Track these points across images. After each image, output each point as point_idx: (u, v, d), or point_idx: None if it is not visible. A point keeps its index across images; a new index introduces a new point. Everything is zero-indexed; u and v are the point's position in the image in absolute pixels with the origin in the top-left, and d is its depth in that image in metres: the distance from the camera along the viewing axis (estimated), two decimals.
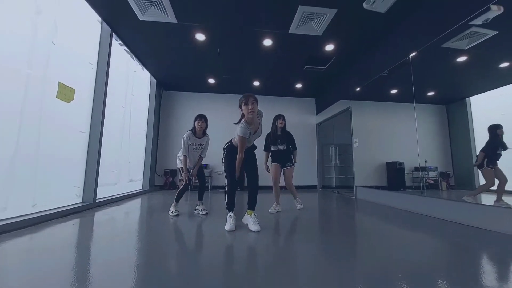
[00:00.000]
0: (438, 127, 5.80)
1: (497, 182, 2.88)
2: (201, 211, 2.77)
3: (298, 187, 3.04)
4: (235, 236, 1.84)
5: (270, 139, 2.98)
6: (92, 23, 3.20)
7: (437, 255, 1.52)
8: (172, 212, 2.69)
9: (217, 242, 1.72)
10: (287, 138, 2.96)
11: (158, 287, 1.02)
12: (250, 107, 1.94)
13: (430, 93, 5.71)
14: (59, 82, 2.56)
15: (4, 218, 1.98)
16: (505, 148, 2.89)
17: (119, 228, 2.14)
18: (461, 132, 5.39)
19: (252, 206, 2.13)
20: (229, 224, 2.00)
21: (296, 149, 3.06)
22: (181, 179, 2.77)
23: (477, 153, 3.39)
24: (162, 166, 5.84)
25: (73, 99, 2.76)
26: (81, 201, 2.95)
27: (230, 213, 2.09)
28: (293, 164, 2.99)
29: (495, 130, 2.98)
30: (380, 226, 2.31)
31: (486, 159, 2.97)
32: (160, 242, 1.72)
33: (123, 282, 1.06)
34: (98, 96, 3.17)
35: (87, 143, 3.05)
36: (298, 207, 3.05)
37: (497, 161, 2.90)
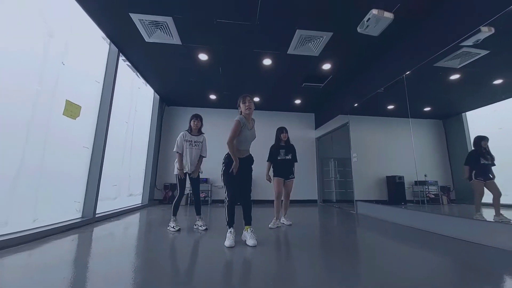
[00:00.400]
0: (436, 141, 5.86)
1: (491, 195, 2.89)
2: (200, 226, 2.74)
3: (298, 201, 3.06)
4: (234, 252, 1.85)
5: (275, 149, 3.04)
6: (100, 43, 3.37)
7: (437, 272, 1.52)
8: (173, 227, 2.65)
9: (215, 258, 1.73)
10: (292, 149, 3.07)
11: None
12: (247, 104, 2.17)
13: (427, 109, 5.84)
14: (66, 100, 2.67)
15: (5, 233, 2.00)
16: (486, 159, 2.92)
17: (117, 244, 2.14)
18: (459, 146, 5.44)
19: (248, 221, 2.18)
20: (228, 240, 2.01)
21: (296, 161, 3.12)
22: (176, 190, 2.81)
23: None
24: (162, 180, 5.85)
25: (78, 115, 2.86)
26: (80, 216, 2.96)
27: (230, 229, 2.10)
28: (294, 176, 3.04)
29: (480, 142, 3.04)
30: (381, 242, 2.30)
31: (474, 171, 3.04)
32: (158, 258, 1.73)
33: None
34: (103, 112, 3.28)
35: (90, 158, 3.11)
36: (286, 223, 3.04)
37: (488, 174, 2.90)
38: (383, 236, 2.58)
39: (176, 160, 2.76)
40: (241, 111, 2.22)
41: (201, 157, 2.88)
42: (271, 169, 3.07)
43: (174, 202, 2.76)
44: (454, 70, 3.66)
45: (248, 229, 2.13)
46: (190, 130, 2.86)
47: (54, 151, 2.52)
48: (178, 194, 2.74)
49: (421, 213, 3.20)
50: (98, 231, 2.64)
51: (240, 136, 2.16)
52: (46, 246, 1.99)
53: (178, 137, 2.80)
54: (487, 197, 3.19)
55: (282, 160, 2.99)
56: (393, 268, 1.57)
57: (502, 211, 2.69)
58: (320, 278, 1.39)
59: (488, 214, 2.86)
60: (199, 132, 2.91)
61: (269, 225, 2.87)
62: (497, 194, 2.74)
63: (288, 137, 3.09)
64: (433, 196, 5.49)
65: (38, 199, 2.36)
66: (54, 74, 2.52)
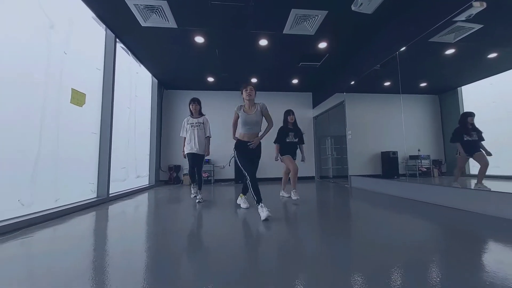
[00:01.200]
0: (431, 116, 6.02)
1: (478, 166, 3.08)
2: (196, 196, 3.20)
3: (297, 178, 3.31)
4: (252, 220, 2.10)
5: (283, 133, 3.21)
6: (97, 31, 3.39)
7: (421, 235, 1.78)
8: (192, 193, 3.35)
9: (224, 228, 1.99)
10: (300, 132, 3.30)
11: (168, 265, 1.29)
12: (248, 91, 2.42)
13: (423, 84, 5.91)
14: (72, 89, 2.79)
15: (32, 212, 2.25)
16: (470, 135, 3.06)
17: (132, 219, 2.42)
18: (453, 120, 5.62)
19: (258, 197, 2.31)
20: (263, 213, 2.14)
21: (303, 143, 3.39)
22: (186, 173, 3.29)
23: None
24: (166, 162, 6.11)
25: (84, 103, 2.99)
26: (96, 196, 3.22)
27: (261, 204, 2.25)
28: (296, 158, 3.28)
29: (466, 118, 3.16)
30: (367, 210, 2.58)
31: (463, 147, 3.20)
32: (170, 228, 1.99)
33: (138, 261, 1.33)
34: (106, 98, 3.40)
35: (99, 143, 3.30)
36: (293, 197, 3.15)
37: (473, 149, 3.07)
38: (369, 205, 2.86)
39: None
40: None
41: (207, 138, 3.17)
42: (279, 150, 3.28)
43: (188, 173, 3.37)
44: (449, 45, 3.71)
45: (243, 197, 2.65)
46: (191, 114, 3.19)
47: (66, 138, 2.70)
48: (189, 169, 3.23)
49: (403, 183, 3.47)
50: (114, 208, 2.91)
51: (240, 121, 2.48)
52: (70, 222, 2.25)
53: (183, 122, 3.23)
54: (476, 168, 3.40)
55: (290, 142, 3.20)
56: (374, 231, 1.83)
57: (492, 182, 2.90)
58: (313, 242, 1.65)
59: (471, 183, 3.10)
60: (200, 114, 3.20)
61: (283, 194, 3.40)
62: (484, 164, 2.92)
63: (295, 119, 3.28)
64: (425, 169, 5.78)
65: (58, 182, 2.59)
66: (58, 64, 2.62)
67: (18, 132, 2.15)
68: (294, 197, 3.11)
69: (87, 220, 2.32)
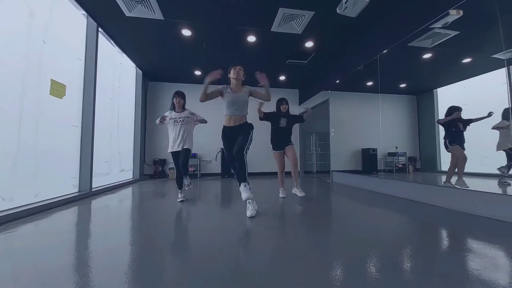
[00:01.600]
0: (409, 116, 6.40)
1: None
2: (183, 200, 2.88)
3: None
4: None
5: (275, 117, 3.01)
6: (78, 19, 3.24)
7: (394, 228, 1.96)
8: (178, 198, 2.91)
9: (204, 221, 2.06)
10: (293, 120, 3.07)
11: (153, 258, 1.35)
12: (237, 69, 2.28)
13: (402, 85, 6.23)
14: (51, 79, 2.68)
15: (13, 207, 2.19)
16: (458, 127, 3.12)
17: (115, 213, 2.42)
18: (428, 120, 6.02)
19: (242, 178, 2.15)
20: (244, 193, 2.11)
21: (303, 121, 3.23)
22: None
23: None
24: (151, 155, 6.02)
25: (64, 94, 2.89)
26: (77, 190, 3.16)
27: (244, 184, 2.13)
28: (292, 143, 3.03)
29: (453, 112, 3.18)
30: (345, 204, 2.76)
31: (447, 139, 3.24)
32: (153, 223, 2.04)
33: (122, 256, 1.39)
34: (88, 90, 3.29)
35: (80, 136, 3.21)
36: (298, 194, 2.94)
37: (462, 140, 3.11)
38: (346, 199, 3.05)
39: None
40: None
41: (190, 133, 2.88)
42: (270, 143, 3.09)
43: (175, 179, 2.97)
44: (427, 50, 3.94)
45: (242, 184, 2.15)
46: (174, 108, 2.87)
47: (46, 130, 2.61)
48: (176, 171, 2.94)
49: (378, 179, 3.71)
50: (96, 203, 2.88)
51: (224, 101, 2.24)
52: (52, 216, 2.22)
53: (164, 114, 2.86)
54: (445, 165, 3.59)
55: (282, 128, 2.97)
56: (348, 221, 1.99)
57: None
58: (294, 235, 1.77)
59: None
60: (183, 109, 2.91)
61: (280, 195, 3.03)
62: (462, 159, 3.04)
63: (288, 109, 3.07)
64: (401, 165, 6.17)
65: (38, 177, 2.52)
66: (37, 54, 2.50)
67: None
68: (299, 193, 2.93)
69: (69, 215, 2.30)
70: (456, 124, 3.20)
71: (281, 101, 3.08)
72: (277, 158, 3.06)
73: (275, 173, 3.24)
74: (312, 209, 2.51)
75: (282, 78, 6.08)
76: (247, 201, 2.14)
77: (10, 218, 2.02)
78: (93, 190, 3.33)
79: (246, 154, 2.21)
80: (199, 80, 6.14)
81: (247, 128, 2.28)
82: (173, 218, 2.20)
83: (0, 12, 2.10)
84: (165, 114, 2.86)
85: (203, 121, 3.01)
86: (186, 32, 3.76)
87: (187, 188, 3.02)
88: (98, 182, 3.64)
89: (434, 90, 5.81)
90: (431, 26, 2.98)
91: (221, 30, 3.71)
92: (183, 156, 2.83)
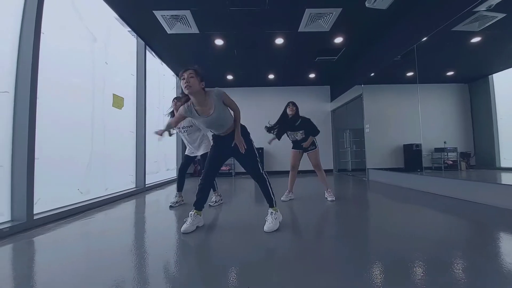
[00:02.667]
0: (459, 106, 5.76)
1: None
2: (175, 203, 2.62)
3: (315, 172, 2.83)
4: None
5: (281, 128, 2.74)
6: (128, 38, 3.81)
7: (435, 228, 1.92)
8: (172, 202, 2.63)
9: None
10: (303, 126, 2.69)
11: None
12: (185, 79, 1.62)
13: (450, 73, 5.64)
14: (113, 94, 3.23)
15: (90, 198, 2.74)
16: None
17: (165, 204, 2.82)
18: (483, 110, 5.35)
19: (268, 201, 1.80)
20: (185, 224, 1.70)
21: (315, 134, 2.71)
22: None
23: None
24: None
25: (123, 106, 3.44)
26: (135, 186, 3.72)
27: (192, 212, 1.76)
28: (316, 147, 2.77)
29: None
30: (384, 202, 2.71)
31: None
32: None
33: (172, 233, 1.67)
34: (140, 100, 3.84)
35: (135, 140, 3.77)
36: (328, 198, 2.75)
37: None
38: (385, 197, 2.97)
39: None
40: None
41: (202, 138, 2.61)
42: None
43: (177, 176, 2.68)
44: (474, 34, 3.58)
45: (270, 210, 1.77)
46: (173, 115, 2.54)
47: (111, 137, 3.17)
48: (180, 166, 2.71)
49: (421, 176, 3.48)
50: (150, 197, 3.36)
51: (198, 124, 1.84)
52: (119, 207, 2.71)
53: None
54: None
55: (294, 141, 2.79)
56: (390, 223, 2.01)
57: None
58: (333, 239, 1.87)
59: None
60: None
61: (281, 198, 2.78)
62: None
63: (296, 111, 2.69)
64: (451, 162, 5.59)
65: (106, 174, 3.08)
66: (101, 73, 3.05)
67: (75, 133, 2.62)
68: (329, 198, 2.75)
69: (130, 206, 2.76)
70: None
71: (287, 104, 2.73)
72: (291, 156, 2.83)
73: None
74: (351, 209, 2.54)
75: (312, 75, 6.06)
76: (270, 212, 1.77)
77: (88, 208, 2.55)
78: (146, 186, 3.87)
79: (263, 170, 1.83)
80: (231, 84, 6.51)
81: (245, 138, 1.79)
82: (207, 212, 2.48)
83: (71, 39, 2.64)
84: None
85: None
86: (219, 42, 4.08)
87: (213, 205, 2.63)
88: (150, 179, 4.20)
89: (489, 76, 5.14)
90: (474, 10, 2.72)
91: (250, 36, 3.93)
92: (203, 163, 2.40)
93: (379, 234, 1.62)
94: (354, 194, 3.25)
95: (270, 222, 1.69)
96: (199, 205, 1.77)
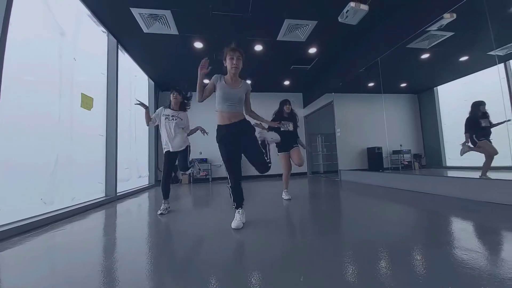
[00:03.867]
0: (411, 114, 6.60)
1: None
2: (163, 213, 2.44)
3: (291, 174, 3.00)
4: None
5: (278, 119, 2.83)
6: (100, 37, 3.54)
7: (403, 216, 2.14)
8: (160, 210, 2.47)
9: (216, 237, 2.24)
10: (294, 119, 3.02)
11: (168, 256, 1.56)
12: (234, 62, 1.76)
13: (403, 84, 6.45)
14: (81, 93, 2.94)
15: (54, 209, 2.42)
16: (486, 122, 3.01)
17: (137, 215, 2.64)
18: (430, 117, 6.20)
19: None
20: (235, 222, 1.80)
21: (295, 131, 3.02)
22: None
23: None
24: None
25: (92, 106, 3.15)
26: (104, 195, 3.39)
27: (239, 210, 1.87)
28: (297, 145, 3.00)
29: (478, 107, 3.13)
30: (354, 198, 2.94)
31: (474, 135, 3.11)
32: (172, 224, 2.24)
33: (142, 250, 1.60)
34: (111, 101, 3.56)
35: (105, 144, 3.46)
36: (285, 197, 2.96)
37: (489, 135, 3.00)
38: (356, 193, 3.23)
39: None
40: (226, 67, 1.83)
41: (182, 132, 2.56)
42: (276, 145, 2.94)
43: (161, 185, 2.56)
44: (425, 50, 4.18)
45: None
46: (169, 105, 2.57)
47: (78, 140, 2.86)
48: (163, 175, 2.55)
49: (386, 174, 3.88)
50: (123, 205, 3.10)
51: (218, 97, 1.81)
52: (88, 218, 2.44)
53: (157, 111, 2.61)
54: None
55: (286, 132, 2.88)
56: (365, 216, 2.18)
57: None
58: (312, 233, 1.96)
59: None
60: (181, 109, 2.58)
61: (283, 197, 2.95)
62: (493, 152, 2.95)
63: (291, 109, 3.02)
64: (406, 163, 6.32)
65: (72, 183, 2.76)
66: (69, 70, 2.77)
67: (39, 135, 2.31)
68: (285, 196, 2.97)
69: (100, 217, 2.51)
70: (482, 119, 3.10)
71: (284, 102, 2.99)
72: (283, 161, 2.97)
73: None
74: (332, 205, 2.69)
75: (286, 82, 6.33)
76: (238, 210, 1.87)
77: (54, 219, 2.25)
78: (118, 194, 3.55)
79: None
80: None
81: (250, 129, 1.89)
82: (185, 219, 2.40)
83: (37, 30, 2.37)
84: (155, 114, 2.61)
85: (187, 128, 2.62)
86: (198, 45, 4.04)
87: (198, 176, 2.58)
88: (120, 187, 3.86)
89: (434, 88, 6.02)
90: (427, 29, 3.21)
91: (230, 41, 3.96)
92: (183, 155, 2.57)
93: (359, 223, 1.76)
94: (331, 193, 3.46)
95: (240, 219, 1.81)
96: (239, 203, 1.89)
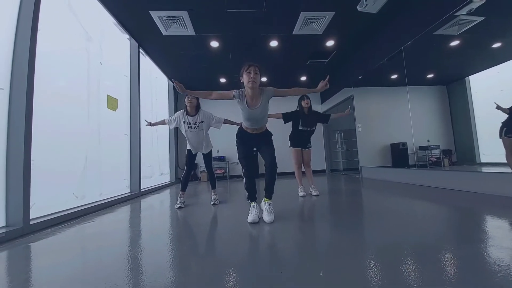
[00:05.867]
0: (440, 107, 6.14)
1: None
2: (212, 200, 2.72)
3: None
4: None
5: (296, 118, 2.86)
6: (123, 40, 3.73)
7: (431, 216, 2.01)
8: (177, 203, 2.59)
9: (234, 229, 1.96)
10: (316, 119, 2.93)
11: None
12: (252, 75, 1.73)
13: (430, 75, 6.02)
14: (107, 95, 3.13)
15: (85, 203, 2.61)
16: None
17: (160, 210, 2.74)
18: (462, 109, 5.74)
19: (270, 191, 1.89)
20: (251, 215, 1.81)
21: (327, 121, 3.06)
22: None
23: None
24: (184, 160, 6.46)
25: (118, 107, 3.33)
26: (129, 191, 3.58)
27: (253, 204, 1.89)
28: (311, 146, 2.99)
29: None
30: (377, 195, 2.81)
31: (505, 129, 3.02)
32: (192, 219, 2.29)
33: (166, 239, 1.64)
34: (134, 102, 3.74)
35: (130, 143, 3.65)
36: (313, 193, 2.89)
37: None
38: (379, 191, 3.08)
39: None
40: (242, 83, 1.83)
41: (220, 123, 2.64)
42: (288, 139, 2.98)
43: (181, 177, 2.69)
44: (454, 37, 3.86)
45: (267, 201, 1.86)
46: (186, 112, 2.55)
47: (105, 139, 3.05)
48: (185, 169, 2.70)
49: (412, 170, 3.66)
50: (146, 201, 3.25)
51: (241, 113, 1.88)
52: (115, 211, 2.59)
53: (177, 113, 2.61)
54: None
55: (304, 130, 2.86)
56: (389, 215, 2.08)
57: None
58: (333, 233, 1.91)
59: None
60: (197, 111, 2.57)
61: (299, 194, 2.88)
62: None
63: (310, 104, 2.89)
64: (435, 159, 5.90)
65: (101, 178, 2.95)
66: (96, 74, 2.96)
67: (70, 137, 2.50)
68: (314, 193, 2.89)
69: (125, 210, 2.66)
70: None
71: (302, 97, 2.90)
72: (294, 155, 2.92)
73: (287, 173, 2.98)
74: (354, 201, 2.61)
75: (303, 78, 6.22)
76: (267, 202, 1.86)
77: (85, 212, 2.42)
78: (141, 190, 3.74)
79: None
80: (223, 87, 6.52)
81: (269, 137, 2.01)
82: (206, 215, 2.45)
83: (65, 37, 2.55)
84: (172, 117, 2.63)
85: (217, 128, 2.64)
86: (214, 44, 4.10)
87: (212, 203, 2.70)
88: (144, 184, 4.06)
89: (466, 78, 5.55)
90: (455, 14, 2.96)
91: (246, 38, 3.99)
92: (207, 159, 2.71)
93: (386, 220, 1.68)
94: (352, 190, 3.34)
95: (271, 213, 1.80)
96: (253, 197, 1.93)
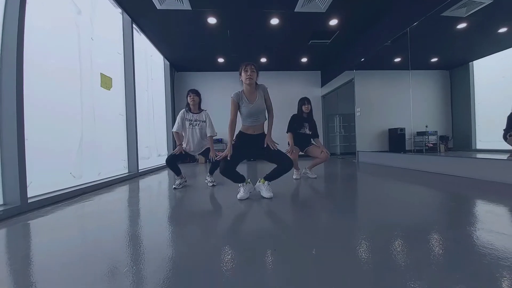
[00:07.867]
0: (440, 92, 6.05)
1: None
2: (209, 182, 2.71)
3: (306, 156, 3.01)
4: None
5: (296, 122, 2.89)
6: (115, 15, 3.53)
7: (420, 197, 2.05)
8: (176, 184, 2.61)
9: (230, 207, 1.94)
10: (314, 124, 2.96)
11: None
12: (248, 73, 1.89)
13: (434, 59, 5.86)
14: (100, 73, 3.02)
15: (83, 183, 2.62)
16: None
17: (158, 190, 2.77)
18: (462, 95, 5.66)
19: (271, 178, 2.05)
20: (240, 193, 1.99)
21: (318, 136, 3.00)
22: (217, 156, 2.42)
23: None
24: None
25: (112, 86, 3.24)
26: (127, 171, 3.59)
27: (241, 184, 2.04)
28: (311, 143, 2.99)
29: None
30: (372, 179, 2.86)
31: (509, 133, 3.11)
32: (187, 198, 2.32)
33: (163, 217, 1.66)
34: (129, 81, 3.63)
35: (125, 124, 3.59)
36: (311, 176, 2.98)
37: None
38: (372, 175, 3.13)
39: (174, 130, 2.65)
40: (241, 81, 1.97)
41: (210, 137, 2.60)
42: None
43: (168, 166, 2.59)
44: (461, 19, 3.71)
45: (265, 182, 2.03)
46: (188, 108, 2.60)
47: (100, 120, 2.99)
48: (169, 156, 2.61)
49: (403, 155, 3.70)
50: (144, 181, 3.28)
51: (241, 113, 1.99)
52: (113, 191, 2.61)
53: (178, 115, 2.61)
54: None
55: (303, 134, 2.89)
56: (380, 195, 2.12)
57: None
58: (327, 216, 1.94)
59: None
60: (199, 109, 2.64)
61: (293, 177, 2.92)
62: None
63: (311, 109, 2.90)
64: (431, 145, 5.93)
65: (98, 159, 2.94)
66: (87, 50, 2.83)
67: (64, 116, 2.45)
68: (295, 176, 2.97)
69: (124, 190, 2.68)
70: None
71: (302, 101, 2.88)
72: (291, 140, 2.88)
73: None
74: (349, 184, 2.64)
75: (304, 60, 6.03)
76: (266, 183, 2.04)
77: (83, 192, 2.44)
78: (139, 171, 3.75)
79: None
80: (222, 67, 6.32)
81: (262, 138, 2.07)
82: (200, 194, 2.48)
83: (53, 8, 2.39)
84: (177, 118, 2.62)
85: (212, 135, 2.61)
86: (212, 20, 3.90)
87: (211, 185, 2.70)
88: (142, 164, 4.07)
89: (469, 63, 5.41)
90: None
91: (245, 15, 3.79)
92: (207, 154, 2.66)
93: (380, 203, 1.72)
94: (348, 173, 3.39)
95: (270, 191, 2.01)
96: (239, 180, 2.03)
